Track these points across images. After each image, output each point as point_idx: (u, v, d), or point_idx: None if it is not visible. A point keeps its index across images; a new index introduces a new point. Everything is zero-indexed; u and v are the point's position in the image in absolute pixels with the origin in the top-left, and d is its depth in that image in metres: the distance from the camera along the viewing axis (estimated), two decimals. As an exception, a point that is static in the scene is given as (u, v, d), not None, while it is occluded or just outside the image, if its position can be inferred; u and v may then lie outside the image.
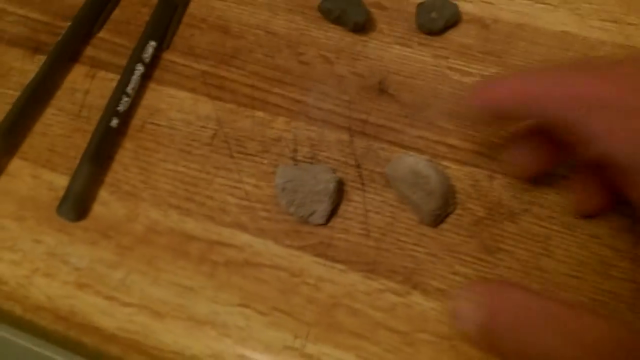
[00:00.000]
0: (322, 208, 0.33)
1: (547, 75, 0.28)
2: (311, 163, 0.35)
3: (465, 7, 0.41)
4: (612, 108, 0.26)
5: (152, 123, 0.38)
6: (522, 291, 0.25)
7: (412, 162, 0.33)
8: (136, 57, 0.39)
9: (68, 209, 0.34)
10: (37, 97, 0.38)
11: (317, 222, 0.33)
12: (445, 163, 0.35)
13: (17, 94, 0.39)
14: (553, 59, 0.39)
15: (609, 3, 0.41)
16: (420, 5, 0.40)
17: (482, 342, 0.25)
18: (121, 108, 0.37)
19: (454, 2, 0.41)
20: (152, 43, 0.40)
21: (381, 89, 0.38)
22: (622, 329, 0.23)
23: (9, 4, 0.44)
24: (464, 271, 0.32)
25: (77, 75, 0.40)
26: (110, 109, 0.37)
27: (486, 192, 0.34)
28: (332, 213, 0.34)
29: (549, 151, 0.32)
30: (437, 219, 0.33)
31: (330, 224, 0.34)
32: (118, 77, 0.39)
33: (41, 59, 0.41)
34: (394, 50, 0.40)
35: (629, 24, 0.40)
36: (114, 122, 0.36)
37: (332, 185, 0.33)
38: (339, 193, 0.34)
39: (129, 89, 0.38)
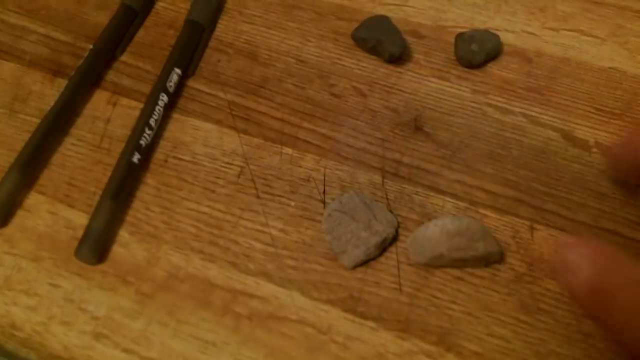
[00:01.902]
0: (354, 254, 0.32)
1: None
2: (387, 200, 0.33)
3: (507, 38, 0.39)
4: None
5: (176, 157, 0.36)
6: (632, 261, 0.23)
7: (445, 224, 0.31)
8: (160, 86, 0.37)
9: (87, 253, 0.32)
10: (57, 126, 0.37)
11: (344, 263, 0.32)
12: (483, 211, 0.33)
13: (36, 120, 0.38)
14: (600, 97, 0.36)
15: (661, 37, 0.39)
16: (459, 35, 0.38)
17: (587, 302, 0.24)
18: (144, 142, 0.35)
19: (496, 32, 0.38)
20: (177, 70, 0.38)
21: (416, 126, 0.36)
22: None
23: (30, 21, 0.43)
24: (501, 333, 0.30)
25: (98, 102, 0.39)
26: (133, 143, 0.35)
27: (526, 244, 0.32)
28: (364, 263, 0.32)
29: None
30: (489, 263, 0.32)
31: (360, 275, 0.32)
32: (141, 105, 0.38)
33: (61, 82, 0.39)
34: (430, 84, 0.38)
35: (682, 60, 0.38)
36: (136, 157, 0.35)
37: (373, 240, 0.31)
38: (381, 249, 0.32)
39: (152, 121, 0.36)
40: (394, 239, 0.32)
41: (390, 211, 0.33)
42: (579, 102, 0.37)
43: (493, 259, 0.31)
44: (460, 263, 0.31)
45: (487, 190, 0.34)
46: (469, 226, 0.31)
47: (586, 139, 0.36)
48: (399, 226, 0.33)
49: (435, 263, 0.31)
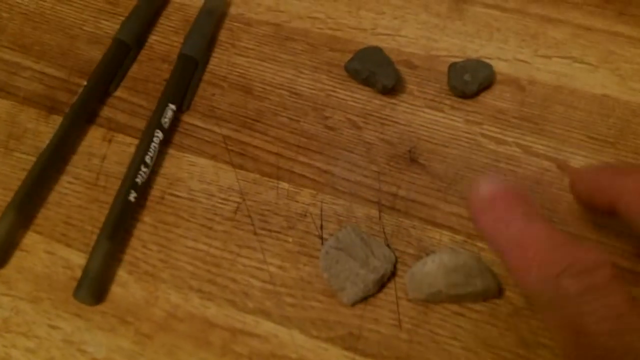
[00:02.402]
0: (353, 292, 0.32)
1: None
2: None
3: (500, 66, 0.40)
4: None
5: (172, 194, 0.36)
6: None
7: (442, 260, 0.31)
8: (155, 122, 0.37)
9: (85, 294, 0.32)
10: (53, 164, 0.37)
11: (342, 301, 0.32)
12: (480, 244, 0.34)
13: (31, 158, 0.38)
14: (593, 125, 0.37)
15: (652, 63, 0.39)
16: (452, 65, 0.38)
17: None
18: (139, 180, 0.35)
19: (489, 62, 0.39)
20: (172, 106, 0.38)
21: (411, 158, 0.36)
22: None
23: (24, 57, 0.43)
24: (501, 367, 0.30)
25: (93, 139, 0.39)
26: (129, 182, 0.35)
27: (524, 277, 0.32)
28: (362, 300, 0.32)
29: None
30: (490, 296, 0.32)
31: (359, 312, 0.32)
32: (136, 141, 0.38)
33: (56, 119, 0.39)
34: (424, 115, 0.38)
35: (673, 87, 0.38)
36: (132, 195, 0.35)
37: (371, 277, 0.31)
38: (380, 285, 0.32)
39: (148, 159, 0.36)
40: (392, 274, 0.32)
41: (388, 246, 0.33)
42: (572, 130, 0.37)
43: (491, 295, 0.31)
44: (458, 299, 0.31)
45: (484, 222, 0.34)
46: (466, 262, 0.31)
47: (580, 167, 0.36)
48: (396, 261, 0.33)
49: (434, 299, 0.31)
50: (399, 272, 0.33)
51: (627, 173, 0.27)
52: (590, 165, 0.35)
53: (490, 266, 0.32)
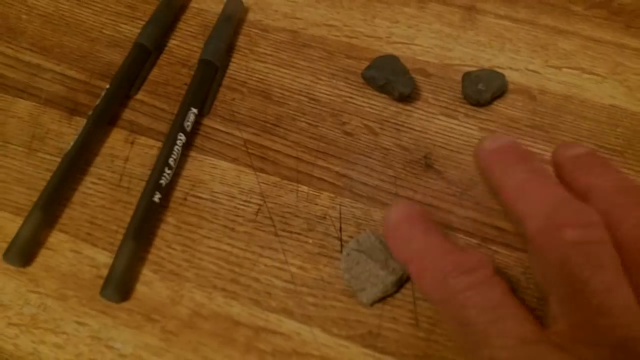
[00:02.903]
0: (373, 292, 0.33)
1: None
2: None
3: (512, 76, 0.41)
4: None
5: (195, 196, 0.37)
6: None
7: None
8: (178, 125, 0.38)
9: (112, 292, 0.33)
10: (76, 165, 0.38)
11: (362, 301, 0.33)
12: (494, 247, 0.35)
13: (54, 158, 0.39)
14: (602, 135, 0.38)
15: (658, 75, 0.40)
16: (467, 74, 0.40)
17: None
18: (163, 182, 0.36)
19: (501, 72, 0.40)
20: (194, 110, 0.39)
21: (427, 164, 0.37)
22: None
23: (45, 60, 0.44)
24: (516, 366, 0.31)
25: (116, 141, 0.40)
26: (153, 183, 0.36)
27: (536, 280, 0.33)
28: (381, 300, 0.33)
29: None
30: None
31: (378, 312, 0.33)
32: (158, 143, 0.39)
33: (78, 120, 0.40)
34: (439, 122, 0.39)
35: (679, 98, 0.39)
36: (157, 197, 0.36)
37: (390, 278, 0.32)
38: (398, 286, 0.33)
39: (171, 161, 0.37)
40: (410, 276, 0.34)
41: None
42: (582, 139, 0.38)
43: None
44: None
45: (497, 226, 0.35)
46: None
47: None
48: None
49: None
50: (417, 274, 0.34)
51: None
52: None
53: (503, 268, 0.33)
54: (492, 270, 0.27)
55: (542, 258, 0.27)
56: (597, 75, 0.41)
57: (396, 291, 0.34)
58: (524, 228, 0.28)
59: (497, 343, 0.25)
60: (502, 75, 0.40)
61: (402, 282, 0.34)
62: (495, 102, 0.40)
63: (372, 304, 0.33)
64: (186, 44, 0.44)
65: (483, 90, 0.39)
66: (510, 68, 0.41)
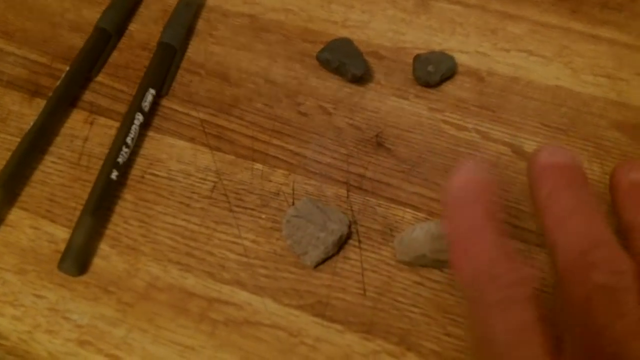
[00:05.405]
0: (315, 254, 0.34)
1: None
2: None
3: (461, 59, 0.42)
4: None
5: (152, 174, 0.38)
6: None
7: (429, 228, 0.33)
8: (136, 106, 0.39)
9: (69, 265, 0.34)
10: (36, 145, 0.39)
11: (306, 263, 0.34)
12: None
13: (15, 139, 0.39)
14: (547, 114, 0.40)
15: (602, 57, 0.42)
16: (417, 57, 0.41)
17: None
18: (121, 160, 0.37)
19: (451, 55, 0.41)
20: (152, 91, 0.40)
21: (378, 143, 0.39)
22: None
23: (7, 43, 0.45)
24: (456, 332, 0.33)
25: (76, 122, 0.41)
26: (110, 161, 0.37)
27: (480, 251, 0.35)
28: (324, 261, 0.34)
29: None
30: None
31: (328, 282, 0.34)
32: (117, 124, 0.40)
33: (39, 102, 0.41)
34: (390, 102, 0.41)
35: (621, 79, 0.41)
36: (114, 174, 0.37)
37: (330, 239, 0.34)
38: (338, 246, 0.35)
39: (129, 140, 0.38)
40: (348, 236, 0.35)
41: (342, 212, 0.36)
42: (528, 118, 0.40)
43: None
44: (440, 264, 0.34)
45: (444, 201, 0.37)
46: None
47: (534, 152, 0.38)
48: (350, 224, 0.35)
49: (418, 262, 0.34)
50: (366, 247, 0.35)
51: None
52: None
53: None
54: (531, 290, 0.26)
55: (566, 293, 0.26)
56: (544, 57, 0.43)
57: (337, 252, 0.35)
58: (554, 257, 0.27)
59: None
60: (452, 58, 0.41)
61: (342, 242, 0.35)
62: (444, 84, 0.41)
63: (316, 266, 0.35)
64: (146, 28, 0.45)
65: (432, 72, 0.40)
66: (460, 51, 0.43)
